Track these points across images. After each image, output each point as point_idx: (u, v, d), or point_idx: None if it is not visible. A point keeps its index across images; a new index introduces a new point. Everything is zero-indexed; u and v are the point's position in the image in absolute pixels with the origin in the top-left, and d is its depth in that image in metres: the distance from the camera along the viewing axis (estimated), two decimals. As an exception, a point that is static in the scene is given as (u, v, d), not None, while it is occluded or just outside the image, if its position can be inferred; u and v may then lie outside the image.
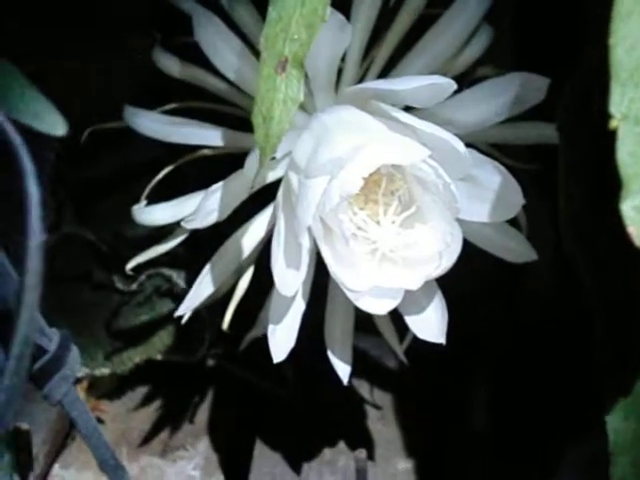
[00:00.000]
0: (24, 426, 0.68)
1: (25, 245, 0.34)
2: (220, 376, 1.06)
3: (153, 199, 0.78)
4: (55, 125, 0.43)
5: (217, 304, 0.84)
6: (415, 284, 0.69)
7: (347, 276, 0.68)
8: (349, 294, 0.68)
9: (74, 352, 0.54)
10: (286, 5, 0.55)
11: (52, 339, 0.53)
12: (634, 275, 0.53)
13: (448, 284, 0.73)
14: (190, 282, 0.95)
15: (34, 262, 0.34)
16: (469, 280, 0.89)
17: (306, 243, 0.67)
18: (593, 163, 0.59)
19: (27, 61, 0.82)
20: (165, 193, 0.79)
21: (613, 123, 0.47)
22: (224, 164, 0.76)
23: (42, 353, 0.53)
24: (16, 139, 0.37)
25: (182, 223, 0.71)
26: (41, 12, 0.82)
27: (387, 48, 0.75)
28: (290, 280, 0.68)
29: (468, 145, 0.72)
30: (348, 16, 0.70)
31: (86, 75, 0.90)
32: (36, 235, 0.34)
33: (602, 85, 0.50)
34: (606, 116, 0.47)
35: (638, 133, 0.47)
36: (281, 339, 0.72)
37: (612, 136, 0.47)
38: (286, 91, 0.56)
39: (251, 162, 0.65)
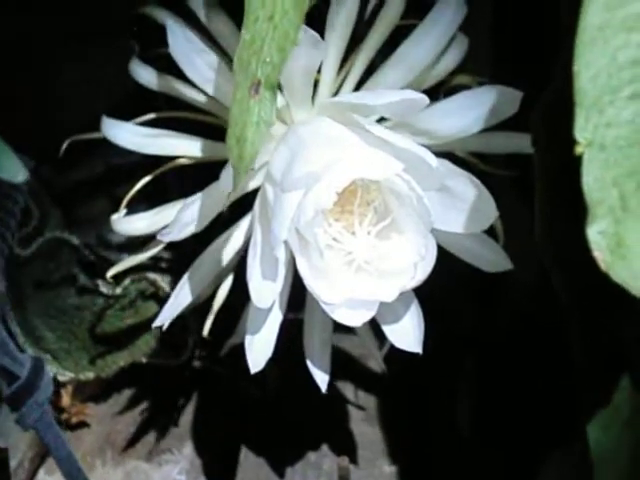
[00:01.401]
0: (1, 444, 0.68)
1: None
2: (205, 379, 1.07)
3: (134, 201, 0.78)
4: (16, 173, 0.43)
5: (202, 307, 0.84)
6: (390, 296, 0.69)
7: (322, 289, 0.68)
8: (325, 307, 0.69)
9: (47, 377, 0.55)
10: (258, 28, 0.55)
11: (24, 365, 0.53)
12: (608, 293, 0.53)
13: (431, 287, 0.73)
14: (175, 285, 0.96)
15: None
16: (451, 282, 0.89)
17: (282, 256, 0.68)
18: (569, 180, 0.59)
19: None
20: (145, 194, 0.79)
21: (578, 149, 0.47)
22: (204, 166, 0.76)
23: (14, 379, 0.53)
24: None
25: (158, 236, 0.71)
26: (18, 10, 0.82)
27: (364, 58, 0.75)
28: (266, 293, 0.68)
29: (445, 154, 0.73)
30: (324, 29, 0.71)
31: (68, 80, 0.89)
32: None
33: (571, 102, 0.50)
34: (571, 141, 0.47)
35: (603, 159, 0.47)
36: (258, 350, 0.72)
37: (578, 161, 0.48)
38: (259, 113, 0.56)
39: (227, 177, 0.65)
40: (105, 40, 0.84)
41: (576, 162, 0.49)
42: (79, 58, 0.87)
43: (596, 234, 0.47)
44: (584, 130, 0.47)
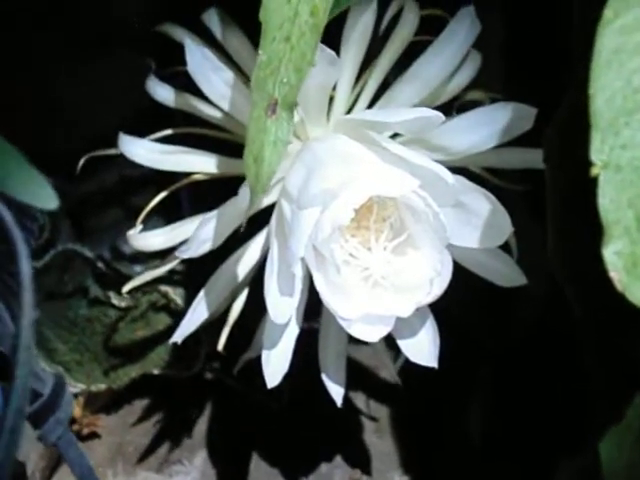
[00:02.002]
0: (19, 458, 0.69)
1: (18, 323, 0.35)
2: (217, 390, 1.07)
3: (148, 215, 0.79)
4: (48, 200, 0.44)
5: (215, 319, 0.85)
6: (406, 311, 0.70)
7: (339, 304, 0.69)
8: (341, 322, 0.69)
9: (68, 395, 0.55)
10: (275, 49, 0.56)
11: (46, 383, 0.54)
12: (621, 308, 0.54)
13: (444, 299, 0.73)
14: (186, 297, 0.97)
15: (26, 339, 0.35)
16: (465, 295, 0.90)
17: (299, 273, 0.68)
18: (581, 195, 0.59)
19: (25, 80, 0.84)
20: (158, 206, 0.80)
21: (594, 170, 0.48)
22: (218, 179, 0.77)
23: (37, 397, 0.53)
24: (9, 220, 0.37)
25: (176, 253, 0.72)
26: (34, 28, 0.83)
27: (378, 74, 0.76)
28: (284, 308, 0.69)
29: (459, 169, 0.74)
30: (339, 46, 0.71)
31: (82, 94, 0.90)
32: (28, 314, 0.35)
33: (585, 121, 0.51)
34: (587, 163, 0.48)
35: (619, 180, 0.48)
36: (275, 365, 0.73)
37: (594, 182, 0.48)
38: (276, 133, 0.57)
39: (244, 194, 0.66)
40: (121, 56, 0.85)
41: (590, 180, 0.50)
42: (94, 73, 0.87)
43: (612, 255, 0.48)
44: (600, 152, 0.48)
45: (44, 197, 0.44)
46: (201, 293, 0.77)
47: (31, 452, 0.97)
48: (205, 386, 1.07)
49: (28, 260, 0.36)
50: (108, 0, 0.80)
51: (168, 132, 0.78)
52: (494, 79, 0.82)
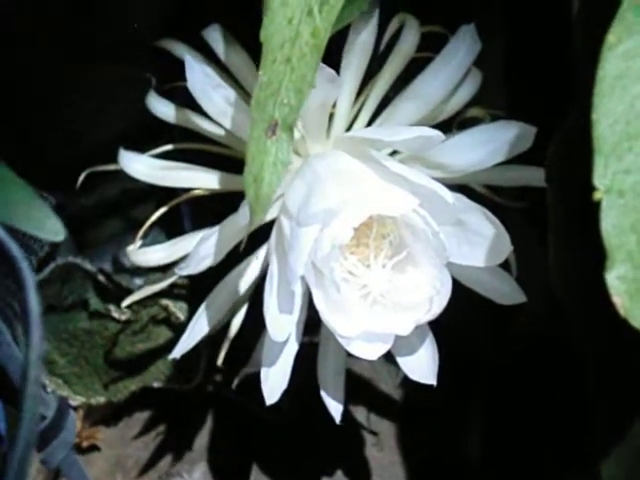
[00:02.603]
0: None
1: (27, 357, 0.35)
2: (216, 403, 1.07)
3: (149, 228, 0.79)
4: (56, 232, 0.44)
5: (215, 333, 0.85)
6: (405, 329, 0.70)
7: (338, 322, 0.69)
8: (340, 340, 0.69)
9: (71, 417, 0.55)
10: (276, 70, 0.55)
11: (50, 405, 0.54)
12: (623, 329, 0.54)
13: (443, 315, 0.73)
14: (186, 311, 0.97)
15: (33, 371, 0.35)
16: (464, 309, 0.90)
17: (299, 290, 0.68)
18: (583, 214, 0.59)
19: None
20: (161, 221, 0.79)
21: (597, 195, 0.48)
22: (221, 194, 0.77)
23: (40, 419, 0.53)
24: (17, 254, 0.37)
25: (175, 269, 0.72)
26: (33, 44, 0.82)
27: (379, 91, 0.76)
28: (283, 326, 0.69)
29: (459, 186, 0.74)
30: (339, 63, 0.71)
31: (82, 109, 0.90)
32: (36, 349, 0.35)
33: (588, 144, 0.51)
34: (590, 188, 0.48)
35: (622, 205, 0.48)
36: (274, 382, 0.73)
37: (597, 206, 0.48)
38: (276, 154, 0.57)
39: (244, 213, 0.66)
40: (121, 72, 0.85)
41: (593, 203, 0.50)
42: (93, 89, 0.87)
43: (615, 279, 0.48)
44: (603, 177, 0.48)
45: (52, 228, 0.44)
46: (201, 308, 0.76)
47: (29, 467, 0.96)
48: (205, 399, 1.07)
49: (36, 295, 0.36)
50: (109, 15, 0.80)
51: (168, 147, 0.78)
52: (495, 97, 0.82)
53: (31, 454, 0.38)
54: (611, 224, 0.48)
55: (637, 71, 0.48)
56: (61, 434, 0.54)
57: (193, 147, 0.79)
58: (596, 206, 0.49)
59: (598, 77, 0.47)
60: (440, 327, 0.75)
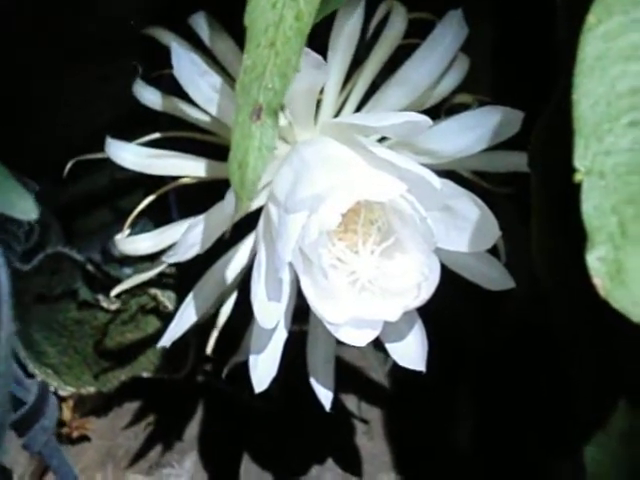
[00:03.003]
0: (6, 465, 0.69)
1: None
2: (206, 393, 1.07)
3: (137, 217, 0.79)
4: (28, 211, 0.44)
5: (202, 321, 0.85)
6: (394, 315, 0.70)
7: (327, 309, 0.69)
8: (329, 326, 0.69)
9: (52, 402, 0.55)
10: (260, 54, 0.55)
11: (30, 390, 0.54)
12: (604, 313, 0.54)
13: (430, 301, 0.73)
14: (175, 300, 0.97)
15: (4, 350, 0.35)
16: (452, 295, 0.90)
17: (286, 277, 0.68)
18: (566, 199, 0.59)
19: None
20: (146, 207, 0.79)
21: (578, 176, 0.48)
22: (209, 183, 0.77)
23: (20, 404, 0.53)
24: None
25: (163, 258, 0.72)
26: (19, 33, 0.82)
27: (366, 78, 0.76)
28: (271, 313, 0.69)
29: (447, 172, 0.74)
30: (326, 48, 0.71)
31: (70, 97, 0.90)
32: (6, 327, 0.35)
33: (568, 126, 0.51)
34: (571, 169, 0.48)
35: (602, 186, 0.48)
36: (263, 369, 0.73)
37: (578, 188, 0.48)
38: (261, 139, 0.56)
39: (230, 200, 0.66)
40: (108, 59, 0.85)
41: (574, 185, 0.50)
42: (81, 76, 0.87)
43: (595, 260, 0.48)
44: (583, 158, 0.48)
45: (24, 208, 0.44)
46: (189, 297, 0.76)
47: (20, 456, 0.97)
48: (195, 389, 1.07)
49: (6, 271, 0.36)
50: (94, 3, 0.80)
51: (156, 135, 0.78)
52: (482, 82, 0.82)
53: (4, 433, 0.38)
54: (592, 206, 0.48)
55: (617, 52, 0.48)
56: (42, 419, 0.54)
57: (180, 135, 0.79)
58: (577, 188, 0.49)
59: (578, 58, 0.47)
60: (428, 313, 0.75)
